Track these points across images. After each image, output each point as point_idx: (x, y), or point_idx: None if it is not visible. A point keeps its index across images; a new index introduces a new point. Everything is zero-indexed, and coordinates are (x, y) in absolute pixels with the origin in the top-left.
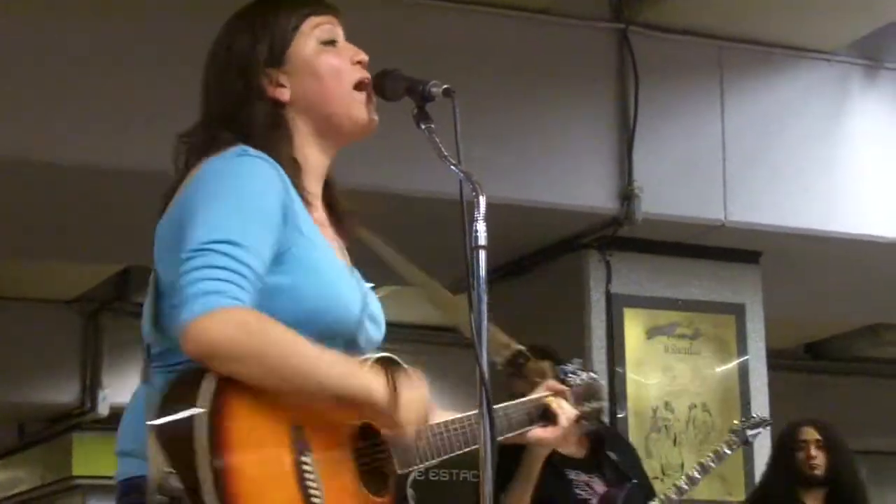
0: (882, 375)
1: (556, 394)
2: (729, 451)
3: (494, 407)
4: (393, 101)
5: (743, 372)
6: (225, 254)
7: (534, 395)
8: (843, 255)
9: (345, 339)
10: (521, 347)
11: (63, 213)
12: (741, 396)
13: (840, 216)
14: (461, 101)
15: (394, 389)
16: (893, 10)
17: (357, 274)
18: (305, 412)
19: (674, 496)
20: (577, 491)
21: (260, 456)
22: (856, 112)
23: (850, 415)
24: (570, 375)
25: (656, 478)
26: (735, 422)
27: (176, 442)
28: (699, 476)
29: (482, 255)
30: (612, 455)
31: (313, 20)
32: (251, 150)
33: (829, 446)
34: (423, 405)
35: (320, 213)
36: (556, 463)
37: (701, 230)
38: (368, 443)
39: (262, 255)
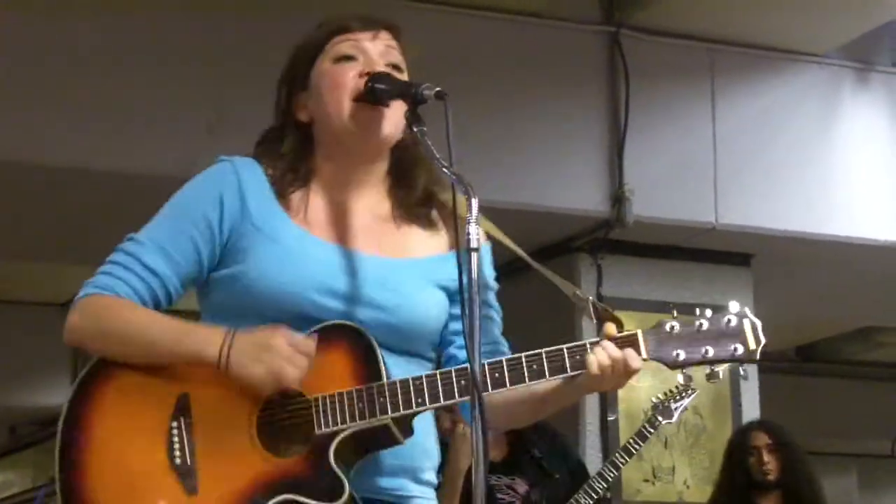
0: (873, 378)
1: (614, 339)
2: (653, 430)
3: (523, 354)
4: (386, 104)
5: (734, 375)
6: (120, 250)
7: (583, 342)
8: (835, 257)
9: (296, 320)
10: (589, 297)
11: (57, 215)
12: (732, 399)
13: (831, 219)
14: (453, 104)
15: (229, 344)
16: (884, 12)
17: (373, 258)
18: (195, 381)
19: (598, 485)
20: (500, 495)
21: (119, 428)
22: (847, 115)
23: (841, 418)
24: (686, 321)
25: (647, 481)
26: (656, 397)
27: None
28: (625, 460)
29: (475, 257)
30: (535, 451)
31: (336, 39)
32: (224, 157)
33: (781, 449)
34: (262, 353)
35: (319, 214)
36: None
37: (692, 233)
38: (281, 404)
39: (170, 249)
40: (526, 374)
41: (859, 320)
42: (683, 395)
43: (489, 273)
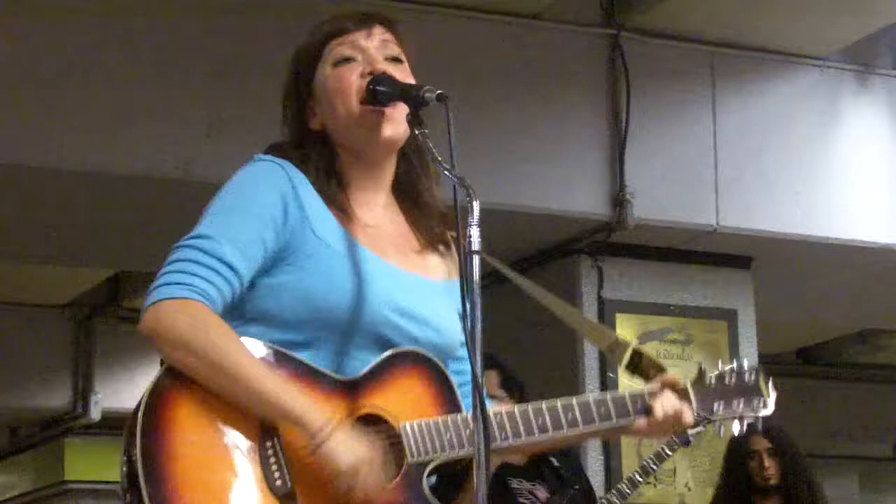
0: (874, 381)
1: (668, 387)
2: (670, 452)
3: (575, 399)
4: (386, 106)
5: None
6: (195, 247)
7: (641, 389)
8: (835, 260)
9: (364, 336)
10: (631, 345)
11: (56, 217)
12: None
13: (832, 221)
14: (453, 106)
15: (330, 430)
16: (885, 15)
17: (413, 275)
18: None
19: (615, 500)
20: (521, 500)
21: (206, 442)
22: (847, 118)
23: (842, 420)
24: (718, 376)
25: (648, 483)
26: None
27: (125, 436)
28: (641, 480)
29: (476, 260)
30: (554, 461)
31: (333, 42)
32: (264, 156)
33: (781, 453)
34: (352, 458)
35: (361, 227)
36: (498, 472)
37: (693, 235)
38: (368, 430)
39: (244, 246)
40: (595, 415)
41: (860, 323)
42: (700, 422)
43: None
